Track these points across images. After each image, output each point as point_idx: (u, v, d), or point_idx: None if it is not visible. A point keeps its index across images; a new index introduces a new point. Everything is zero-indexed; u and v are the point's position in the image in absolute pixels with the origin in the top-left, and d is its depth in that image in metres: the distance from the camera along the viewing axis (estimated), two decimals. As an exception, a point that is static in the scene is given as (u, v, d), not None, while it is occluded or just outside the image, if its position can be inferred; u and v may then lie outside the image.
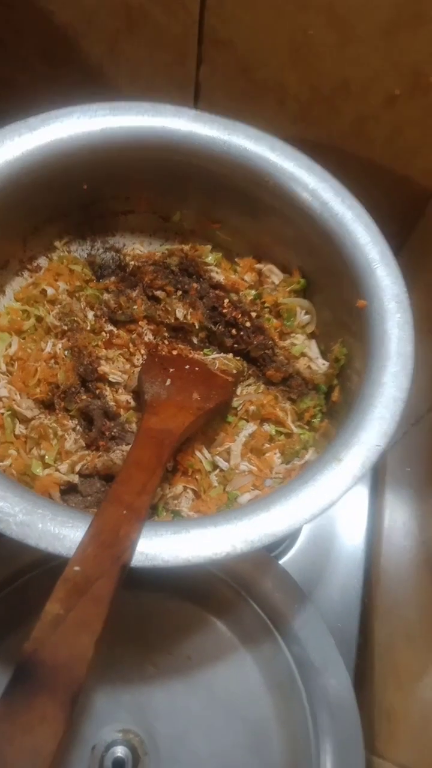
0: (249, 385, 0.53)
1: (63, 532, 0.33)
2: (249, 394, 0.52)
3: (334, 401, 0.49)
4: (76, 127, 0.46)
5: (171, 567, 0.33)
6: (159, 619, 0.46)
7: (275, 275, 0.55)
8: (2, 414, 0.46)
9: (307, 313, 0.54)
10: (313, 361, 0.52)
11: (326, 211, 0.47)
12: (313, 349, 0.53)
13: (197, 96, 0.58)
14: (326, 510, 0.36)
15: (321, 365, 0.52)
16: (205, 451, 0.49)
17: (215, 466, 0.48)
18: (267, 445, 0.50)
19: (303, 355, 0.53)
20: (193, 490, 0.47)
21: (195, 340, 0.53)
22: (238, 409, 0.51)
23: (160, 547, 0.34)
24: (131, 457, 0.38)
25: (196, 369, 0.50)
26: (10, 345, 0.49)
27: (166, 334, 0.53)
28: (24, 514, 0.33)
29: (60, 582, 0.28)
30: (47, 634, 0.26)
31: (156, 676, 0.45)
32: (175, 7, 0.50)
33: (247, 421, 0.51)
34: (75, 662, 0.25)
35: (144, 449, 0.38)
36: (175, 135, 0.48)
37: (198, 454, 0.48)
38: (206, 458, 0.48)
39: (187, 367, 0.50)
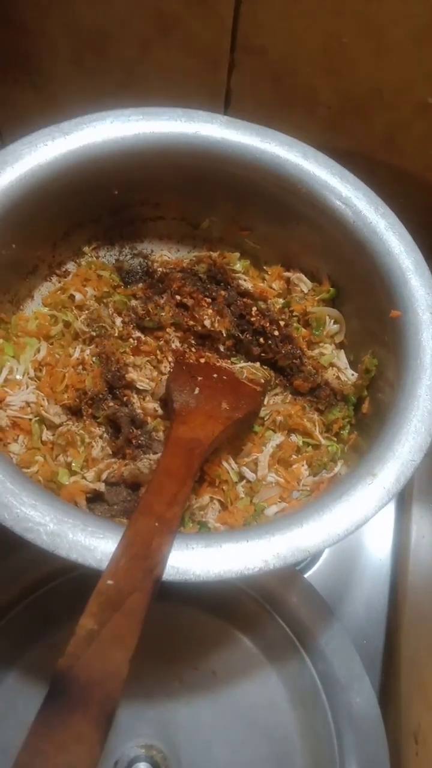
0: (276, 394, 0.52)
1: (93, 543, 0.33)
2: (276, 404, 0.51)
3: (364, 413, 0.48)
4: (109, 132, 0.46)
5: (202, 582, 0.32)
6: (184, 632, 0.46)
7: (304, 284, 0.54)
8: (30, 420, 0.46)
9: (336, 322, 0.53)
10: (341, 371, 0.52)
11: (359, 219, 0.47)
12: (341, 359, 0.52)
13: (228, 102, 0.58)
14: (360, 527, 0.35)
15: (350, 376, 0.51)
16: (232, 462, 0.48)
17: (242, 477, 0.48)
18: (294, 457, 0.49)
19: (331, 365, 0.52)
20: (219, 501, 0.46)
21: (222, 348, 0.53)
22: (265, 418, 0.50)
23: (191, 560, 0.33)
24: (161, 467, 0.37)
25: (224, 378, 0.49)
26: (38, 350, 0.49)
27: (192, 342, 0.53)
28: (54, 524, 0.33)
29: (93, 596, 0.27)
30: (82, 649, 0.25)
31: (181, 691, 0.44)
32: (208, 14, 0.50)
33: (274, 431, 0.50)
34: (110, 679, 0.24)
35: (174, 458, 0.38)
36: (208, 141, 0.48)
37: (225, 464, 0.47)
38: (233, 468, 0.47)
39: (215, 375, 0.49)
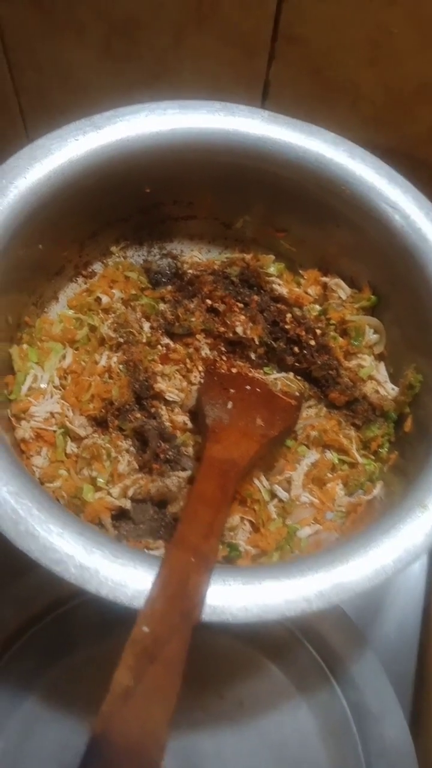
0: (310, 407, 0.49)
1: (125, 578, 0.30)
2: (310, 417, 0.48)
3: (407, 432, 0.45)
4: (143, 127, 0.43)
5: (241, 624, 0.30)
6: (209, 659, 0.43)
7: (342, 290, 0.51)
8: (54, 432, 0.43)
9: (376, 332, 0.50)
10: (381, 385, 0.49)
11: (408, 224, 0.43)
12: (381, 371, 0.49)
13: (266, 94, 0.55)
14: (411, 564, 0.33)
15: (390, 390, 0.48)
16: (264, 479, 0.45)
17: (273, 496, 0.45)
18: (329, 475, 0.47)
19: (370, 377, 0.49)
20: (250, 521, 0.44)
21: (253, 356, 0.50)
22: (298, 433, 0.48)
23: (228, 598, 0.31)
24: (195, 492, 0.35)
25: (257, 390, 0.47)
26: (64, 357, 0.46)
27: (222, 349, 0.50)
28: (83, 555, 0.31)
29: (129, 645, 0.25)
30: (117, 708, 0.23)
31: (205, 721, 0.42)
32: (249, 2, 0.47)
33: (308, 446, 0.47)
34: (148, 743, 0.22)
35: (208, 482, 0.35)
36: (248, 138, 0.45)
37: (256, 482, 0.45)
38: (264, 487, 0.45)
39: (248, 387, 0.47)
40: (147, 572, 0.31)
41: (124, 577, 0.30)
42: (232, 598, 0.30)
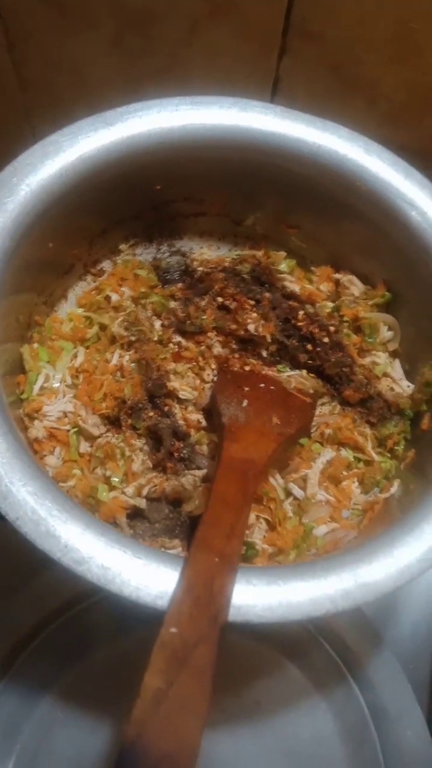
0: (323, 404, 0.49)
1: (148, 578, 0.30)
2: (324, 415, 0.48)
3: (424, 429, 0.45)
4: (155, 123, 0.43)
5: (266, 624, 0.29)
6: (226, 658, 0.42)
7: (355, 287, 0.50)
8: (67, 431, 0.43)
9: (390, 329, 0.49)
10: (396, 382, 0.48)
11: (425, 221, 0.43)
12: (396, 369, 0.49)
13: (275, 90, 0.54)
14: (436, 563, 0.32)
15: (405, 387, 0.48)
16: (279, 477, 0.45)
17: (289, 494, 0.45)
18: (344, 473, 0.46)
19: (385, 375, 0.49)
20: (266, 520, 0.43)
21: (264, 354, 0.50)
22: (313, 431, 0.47)
23: (253, 599, 0.30)
24: (216, 493, 0.34)
25: (272, 388, 0.46)
26: (75, 356, 0.46)
27: (234, 347, 0.50)
28: (105, 555, 0.30)
29: (157, 648, 0.25)
30: (149, 714, 0.22)
31: (222, 721, 0.42)
32: (263, -6, 0.46)
33: (322, 444, 0.47)
34: (182, 753, 0.22)
35: (228, 483, 0.35)
36: (261, 134, 0.44)
37: (272, 480, 0.44)
38: (280, 485, 0.45)
39: (262, 385, 0.46)
40: (170, 572, 0.30)
41: (147, 576, 0.30)
42: (256, 598, 0.30)
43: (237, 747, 0.42)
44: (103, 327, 0.48)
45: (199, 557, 0.29)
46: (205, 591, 0.28)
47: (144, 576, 0.30)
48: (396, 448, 0.46)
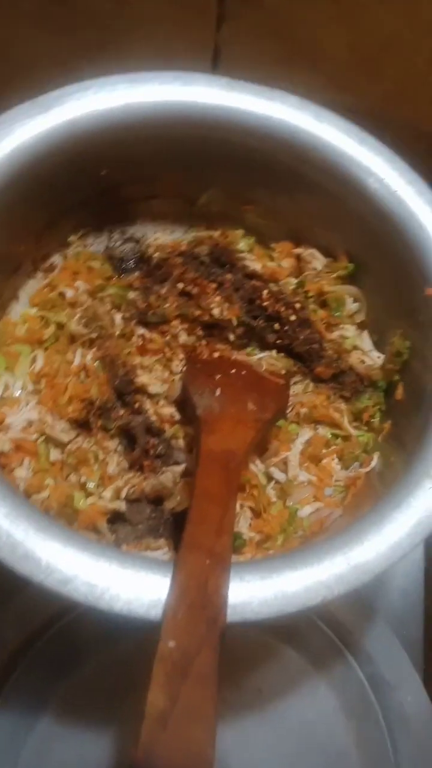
0: (296, 383, 0.48)
1: (138, 588, 0.29)
2: (298, 394, 0.47)
3: (398, 400, 0.44)
4: (94, 104, 0.40)
5: (263, 619, 0.29)
6: (224, 650, 0.42)
7: (317, 260, 0.49)
8: (35, 440, 0.41)
9: (355, 300, 0.49)
10: (366, 354, 0.48)
11: (383, 188, 0.42)
12: (365, 340, 0.48)
13: (217, 60, 0.52)
14: (427, 536, 0.32)
15: (376, 359, 0.47)
16: (259, 462, 0.44)
17: (270, 478, 0.44)
18: (324, 451, 0.46)
19: (355, 348, 0.48)
20: (250, 507, 0.43)
21: (232, 337, 0.48)
22: (288, 411, 0.46)
23: (247, 595, 0.29)
24: (199, 489, 0.33)
25: (243, 373, 0.45)
26: (34, 360, 0.43)
27: (200, 333, 0.48)
28: (89, 571, 0.29)
29: (157, 663, 0.23)
30: (156, 734, 0.21)
31: (225, 712, 0.41)
32: None
33: (299, 424, 0.46)
34: (195, 765, 0.21)
35: (210, 477, 0.34)
36: (207, 108, 0.42)
37: (252, 466, 0.43)
38: (260, 470, 0.44)
39: (233, 371, 0.45)
40: (161, 579, 0.29)
41: (137, 587, 0.29)
42: (251, 594, 0.29)
43: (244, 736, 0.42)
44: (60, 326, 0.46)
45: (189, 559, 0.28)
46: (199, 594, 0.26)
47: (134, 587, 0.29)
48: (372, 420, 0.46)
